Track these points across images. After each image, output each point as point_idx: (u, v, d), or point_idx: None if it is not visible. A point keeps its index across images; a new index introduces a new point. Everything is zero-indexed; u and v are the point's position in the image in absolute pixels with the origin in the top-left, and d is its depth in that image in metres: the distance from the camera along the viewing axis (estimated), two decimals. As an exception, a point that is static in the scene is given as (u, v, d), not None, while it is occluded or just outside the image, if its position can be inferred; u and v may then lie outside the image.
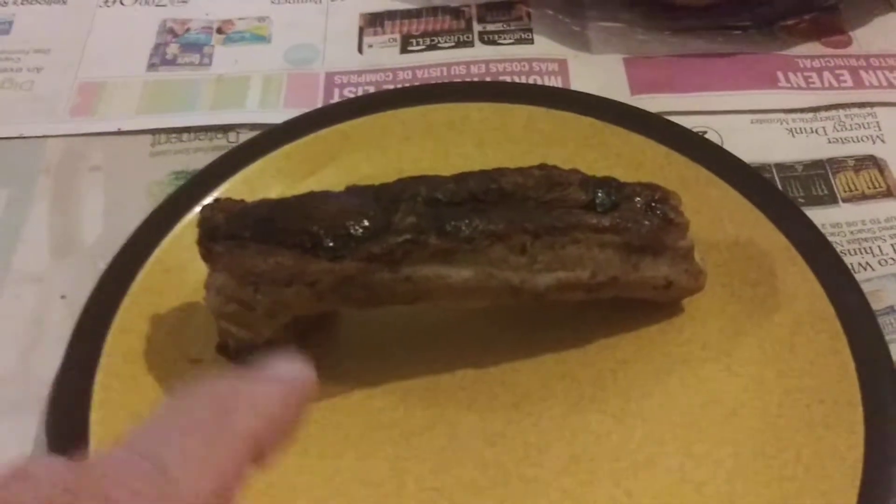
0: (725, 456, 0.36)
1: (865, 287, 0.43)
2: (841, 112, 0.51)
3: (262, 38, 0.57)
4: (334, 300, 0.36)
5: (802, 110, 0.51)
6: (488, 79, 0.53)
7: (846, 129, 0.51)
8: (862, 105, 0.52)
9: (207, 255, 0.36)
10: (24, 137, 0.51)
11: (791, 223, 0.42)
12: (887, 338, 0.41)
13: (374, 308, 0.37)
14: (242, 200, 0.37)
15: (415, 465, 0.36)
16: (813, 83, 0.53)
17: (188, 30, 0.57)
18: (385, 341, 0.40)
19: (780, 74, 0.53)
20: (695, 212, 0.40)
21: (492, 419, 0.37)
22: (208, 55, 0.56)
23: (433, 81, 0.53)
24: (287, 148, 0.46)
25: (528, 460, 0.36)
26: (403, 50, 0.56)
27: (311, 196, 0.37)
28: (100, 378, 0.38)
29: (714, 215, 0.43)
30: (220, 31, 0.57)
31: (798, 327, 0.39)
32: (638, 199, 0.37)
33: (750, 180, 0.44)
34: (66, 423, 0.37)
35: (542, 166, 0.38)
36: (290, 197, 0.37)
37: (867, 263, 0.44)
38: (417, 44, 0.56)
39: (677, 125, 0.47)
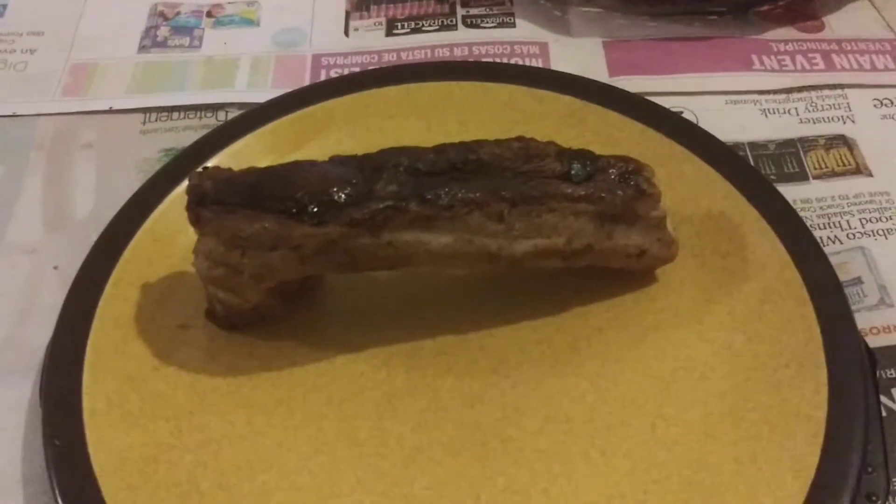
0: (695, 417, 0.37)
1: (834, 260, 0.44)
2: (813, 93, 0.53)
3: (250, 22, 0.58)
4: (318, 264, 0.37)
5: (775, 91, 0.53)
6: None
7: (818, 109, 0.52)
8: (833, 87, 0.53)
9: (196, 220, 0.37)
10: (18, 116, 0.52)
11: (762, 197, 0.43)
12: (854, 307, 0.42)
13: (357, 272, 0.38)
14: (230, 169, 0.38)
15: (396, 426, 0.37)
16: (786, 66, 0.54)
17: (178, 13, 0.58)
18: (369, 307, 0.41)
19: (754, 57, 0.55)
20: (669, 186, 0.42)
21: (470, 382, 0.39)
22: (198, 38, 0.57)
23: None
24: (274, 124, 0.47)
25: (505, 421, 0.38)
26: (388, 33, 0.57)
27: (296, 164, 0.38)
28: (91, 342, 0.39)
29: (688, 189, 0.44)
30: (209, 14, 0.59)
31: (767, 295, 0.40)
32: (612, 170, 0.39)
33: (723, 156, 0.45)
34: (59, 386, 0.38)
35: (519, 138, 0.39)
36: (277, 165, 0.38)
37: (836, 237, 0.46)
38: (402, 27, 0.57)
39: (653, 103, 0.48)
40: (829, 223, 0.46)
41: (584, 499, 0.35)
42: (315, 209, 0.36)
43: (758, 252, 0.42)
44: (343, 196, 0.36)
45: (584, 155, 0.39)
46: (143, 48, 0.56)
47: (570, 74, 0.50)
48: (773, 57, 0.55)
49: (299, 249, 0.36)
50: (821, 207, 0.47)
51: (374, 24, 0.58)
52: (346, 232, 0.36)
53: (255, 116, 0.48)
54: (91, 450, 0.36)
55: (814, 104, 0.52)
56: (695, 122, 0.51)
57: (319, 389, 0.39)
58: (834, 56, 0.55)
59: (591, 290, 0.41)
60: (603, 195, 0.38)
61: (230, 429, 0.37)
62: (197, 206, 0.36)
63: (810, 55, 0.55)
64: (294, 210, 0.35)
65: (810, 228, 0.43)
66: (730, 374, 0.38)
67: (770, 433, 0.36)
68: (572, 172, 0.38)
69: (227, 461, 0.36)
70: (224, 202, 0.36)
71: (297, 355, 0.39)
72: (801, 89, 0.53)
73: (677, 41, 0.56)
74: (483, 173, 0.38)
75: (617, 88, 0.50)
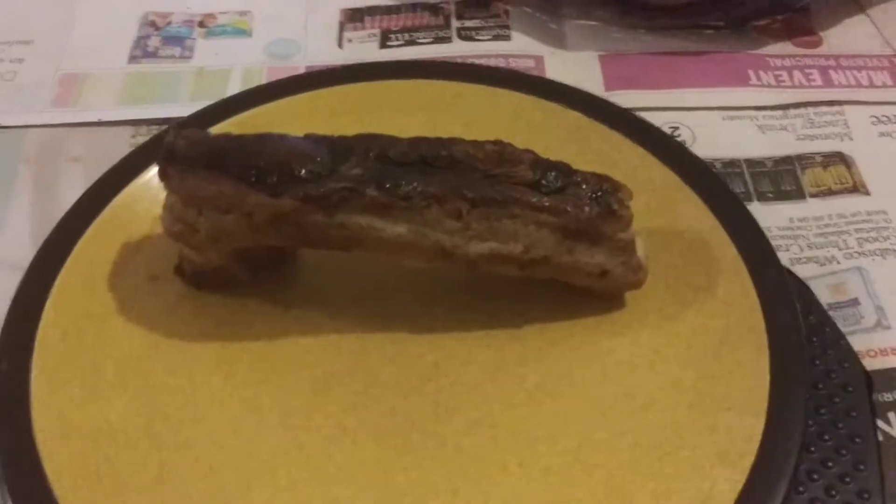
0: (623, 445, 0.36)
1: (830, 280, 0.44)
2: (810, 110, 0.53)
3: (243, 32, 0.58)
4: (269, 234, 0.37)
5: (772, 108, 0.53)
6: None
7: (815, 126, 0.52)
8: (831, 103, 0.53)
9: (162, 175, 0.38)
10: (6, 127, 0.52)
11: (746, 236, 0.42)
12: (850, 329, 0.42)
13: (311, 248, 0.39)
14: (207, 131, 0.39)
15: (328, 403, 0.38)
16: (783, 81, 0.54)
17: (170, 23, 0.58)
18: (334, 289, 0.41)
19: (751, 73, 0.54)
20: (657, 213, 0.42)
21: (410, 374, 0.39)
22: (189, 48, 0.56)
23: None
24: (275, 103, 0.48)
25: (433, 417, 0.37)
26: (382, 45, 0.57)
27: (269, 135, 0.38)
28: (60, 280, 0.41)
29: (673, 218, 0.43)
30: (201, 24, 0.58)
31: (727, 336, 0.39)
32: (585, 185, 0.38)
33: (715, 189, 0.44)
34: (18, 315, 0.40)
35: (496, 142, 0.38)
36: (251, 134, 0.39)
37: (833, 257, 0.45)
38: (396, 39, 0.57)
39: (657, 129, 0.47)
40: (826, 242, 0.46)
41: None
42: (273, 180, 0.36)
43: (730, 291, 0.40)
44: (304, 171, 0.36)
45: (559, 167, 0.38)
46: (133, 58, 0.56)
47: (581, 91, 0.49)
48: (770, 72, 0.55)
49: (251, 217, 0.37)
50: (818, 226, 0.47)
51: (368, 36, 0.57)
52: (298, 206, 0.36)
53: (256, 95, 0.49)
54: (34, 373, 0.38)
55: (811, 120, 0.52)
56: (691, 138, 0.50)
57: (264, 358, 0.39)
58: (831, 72, 0.55)
59: (554, 305, 0.40)
60: (568, 209, 0.37)
61: (170, 379, 0.38)
62: (165, 162, 0.37)
63: (807, 71, 0.55)
64: (253, 178, 0.36)
65: (809, 249, 0.43)
66: (670, 408, 0.37)
67: (692, 474, 0.35)
68: (543, 182, 0.38)
69: (160, 410, 0.37)
70: (190, 161, 0.37)
71: (253, 322, 0.40)
72: (798, 105, 0.53)
73: (674, 55, 0.56)
74: (451, 170, 0.37)
75: (628, 112, 0.48)
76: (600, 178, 0.38)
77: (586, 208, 0.37)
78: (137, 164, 0.45)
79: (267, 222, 0.37)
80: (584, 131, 0.46)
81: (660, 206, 0.42)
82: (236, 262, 0.40)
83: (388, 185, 0.36)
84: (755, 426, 0.36)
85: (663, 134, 0.47)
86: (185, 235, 0.39)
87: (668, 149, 0.46)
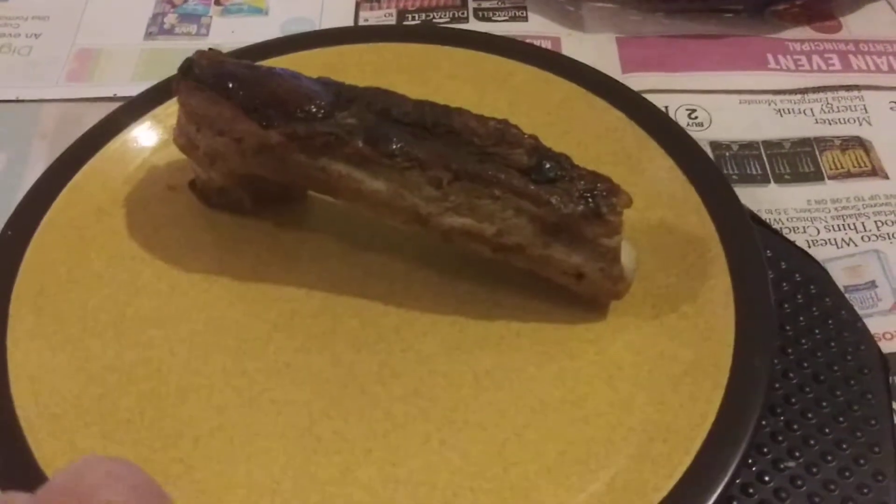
0: (550, 451, 0.36)
1: (847, 262, 0.44)
2: (829, 94, 0.52)
3: (259, 10, 0.57)
4: (255, 163, 0.39)
5: (791, 91, 0.52)
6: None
7: (833, 110, 0.51)
8: (849, 88, 0.52)
9: (175, 88, 0.39)
10: (21, 101, 0.52)
11: (745, 271, 0.40)
12: (867, 311, 0.42)
13: (290, 183, 0.40)
14: (228, 58, 0.40)
15: (283, 339, 0.39)
16: (802, 66, 0.54)
17: (186, 0, 0.58)
18: (329, 236, 0.42)
19: (769, 56, 0.54)
20: (667, 230, 0.41)
21: (369, 331, 0.39)
22: (205, 25, 0.56)
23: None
24: (336, 48, 0.49)
25: (376, 377, 0.38)
26: (399, 24, 0.56)
27: (282, 71, 0.40)
28: (75, 180, 0.44)
29: (683, 240, 0.42)
30: (217, 2, 0.58)
31: (692, 369, 0.37)
32: (581, 182, 0.37)
33: (737, 220, 0.42)
34: (27, 206, 0.43)
35: (501, 121, 0.38)
36: (268, 67, 0.40)
37: (850, 239, 0.45)
38: (413, 19, 0.57)
39: (691, 140, 0.45)
40: (843, 225, 0.46)
41: (397, 475, 0.35)
42: (267, 112, 0.37)
43: (711, 325, 0.39)
44: (298, 111, 0.37)
45: (558, 158, 0.37)
46: (149, 35, 0.56)
47: (641, 99, 0.47)
48: (788, 56, 0.54)
49: (240, 143, 0.38)
50: (836, 209, 0.46)
51: (385, 15, 0.57)
52: (283, 142, 0.37)
53: (296, 41, 0.50)
54: (30, 248, 0.41)
55: (829, 105, 0.51)
56: (708, 120, 0.50)
57: (242, 282, 0.41)
58: (851, 57, 0.54)
59: (532, 297, 0.40)
60: (551, 201, 0.36)
61: (152, 282, 0.41)
62: (181, 75, 0.39)
63: (827, 55, 0.54)
64: (250, 107, 0.37)
65: (827, 231, 0.42)
66: (610, 427, 0.36)
67: (606, 495, 0.34)
68: (537, 170, 0.37)
69: (133, 309, 0.40)
70: (201, 81, 0.38)
71: (245, 249, 0.42)
72: (816, 90, 0.52)
73: (692, 39, 0.55)
74: (445, 139, 0.38)
75: (673, 124, 0.47)
76: (598, 178, 0.37)
77: (571, 205, 0.36)
78: (142, 104, 0.47)
79: (254, 151, 0.38)
80: (620, 132, 0.45)
81: (673, 223, 0.42)
82: (241, 188, 0.41)
83: (375, 140, 0.37)
84: (684, 461, 0.35)
85: (697, 147, 0.45)
86: (187, 148, 0.40)
87: (694, 162, 0.44)
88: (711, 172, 0.43)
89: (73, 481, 0.24)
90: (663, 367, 0.38)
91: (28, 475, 0.34)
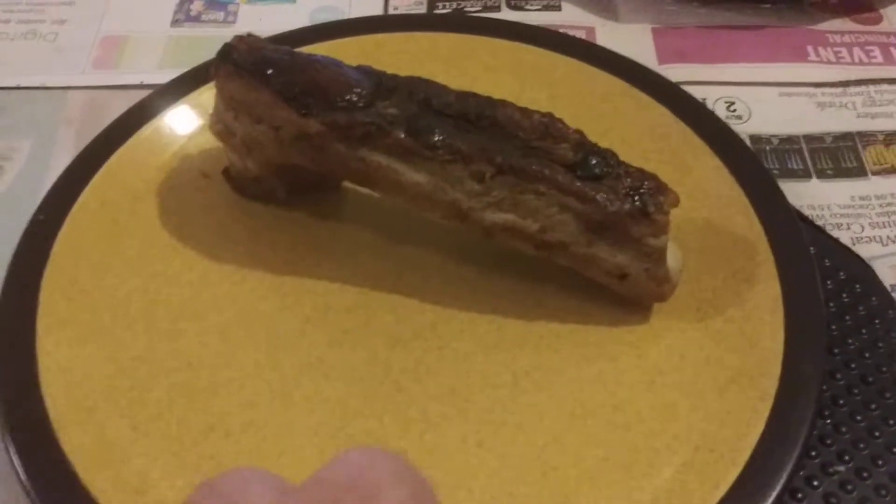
0: (590, 457, 0.34)
1: (893, 260, 0.43)
2: (871, 87, 0.51)
3: (287, -2, 0.56)
4: (294, 152, 0.38)
5: (832, 84, 0.51)
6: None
7: (876, 104, 0.50)
8: (892, 81, 0.51)
9: (213, 73, 0.38)
10: (47, 88, 0.51)
11: (794, 277, 0.39)
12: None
13: (329, 173, 0.39)
14: (269, 43, 0.39)
15: (316, 333, 0.38)
16: (843, 58, 0.52)
17: (214, -13, 0.57)
18: (365, 228, 0.42)
19: (809, 48, 0.53)
20: (715, 231, 0.40)
21: (405, 327, 0.38)
22: (233, 13, 0.56)
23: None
24: (371, 36, 0.48)
25: (412, 374, 0.37)
26: (429, 12, 0.55)
27: (323, 59, 0.39)
28: (109, 164, 0.43)
29: (730, 242, 0.40)
30: (245, -11, 0.57)
31: (738, 377, 0.36)
32: (628, 179, 0.36)
33: (786, 225, 0.41)
34: (62, 184, 0.43)
35: (546, 114, 0.37)
36: (308, 54, 0.39)
37: (895, 236, 0.44)
38: (444, 7, 0.56)
39: (742, 143, 0.44)
40: (888, 221, 0.44)
41: (432, 477, 0.33)
42: (307, 100, 0.36)
43: (758, 331, 0.37)
44: (339, 100, 0.37)
45: (604, 154, 0.36)
46: (175, 22, 0.55)
47: (686, 95, 0.46)
48: (829, 48, 0.53)
49: (278, 131, 0.37)
50: (880, 205, 0.45)
51: (415, 3, 0.56)
52: (323, 131, 0.36)
53: (333, 28, 0.50)
54: (63, 231, 0.41)
55: (872, 98, 0.50)
56: (747, 113, 0.49)
57: (275, 274, 0.40)
58: (893, 49, 0.53)
59: (574, 297, 0.39)
60: (597, 198, 0.35)
61: (183, 272, 0.40)
62: (219, 60, 0.38)
63: (868, 48, 0.53)
64: (290, 95, 0.37)
65: (871, 225, 0.41)
66: (652, 434, 0.35)
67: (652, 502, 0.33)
68: (582, 166, 0.36)
69: (164, 299, 0.39)
70: (240, 66, 0.38)
71: (278, 240, 0.41)
72: (858, 83, 0.51)
73: (729, 29, 0.54)
74: (490, 132, 0.36)
75: (720, 122, 0.45)
76: (645, 176, 0.36)
77: (617, 203, 0.35)
78: (176, 89, 0.47)
79: (292, 139, 0.37)
80: (665, 129, 0.44)
81: (720, 224, 0.41)
82: (277, 177, 0.40)
83: (417, 131, 0.36)
84: (729, 474, 0.33)
85: (743, 146, 0.44)
86: (223, 135, 0.40)
87: (740, 161, 0.43)
88: (758, 172, 0.42)
89: (353, 476, 0.21)
90: (708, 374, 0.37)
91: (56, 468, 0.34)
